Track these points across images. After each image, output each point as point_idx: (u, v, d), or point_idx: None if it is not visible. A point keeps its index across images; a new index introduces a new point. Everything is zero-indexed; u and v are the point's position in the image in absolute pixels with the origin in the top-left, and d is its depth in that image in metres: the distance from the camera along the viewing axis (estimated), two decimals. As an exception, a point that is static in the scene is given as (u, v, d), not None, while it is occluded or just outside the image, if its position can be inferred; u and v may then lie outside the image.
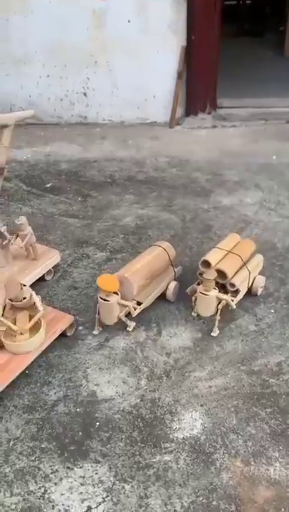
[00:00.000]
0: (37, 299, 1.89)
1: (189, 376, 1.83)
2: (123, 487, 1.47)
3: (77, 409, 1.71)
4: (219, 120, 4.26)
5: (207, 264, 2.09)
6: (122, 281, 1.98)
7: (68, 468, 1.53)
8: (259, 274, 2.24)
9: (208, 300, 1.99)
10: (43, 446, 1.60)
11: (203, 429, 1.63)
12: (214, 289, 1.99)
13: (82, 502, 1.43)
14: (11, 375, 1.78)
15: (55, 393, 1.77)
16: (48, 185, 3.32)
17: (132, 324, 2.02)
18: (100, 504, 1.42)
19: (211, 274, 1.95)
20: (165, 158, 3.61)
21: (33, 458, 1.56)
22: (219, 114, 4.30)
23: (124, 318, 1.99)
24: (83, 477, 1.50)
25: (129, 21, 3.81)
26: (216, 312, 1.99)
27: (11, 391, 1.77)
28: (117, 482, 1.48)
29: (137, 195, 3.15)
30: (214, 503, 1.42)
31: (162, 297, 2.18)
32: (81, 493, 1.46)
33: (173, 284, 2.19)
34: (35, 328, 1.88)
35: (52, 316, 2.02)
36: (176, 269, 2.25)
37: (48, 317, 1.99)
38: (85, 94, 4.17)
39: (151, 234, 2.72)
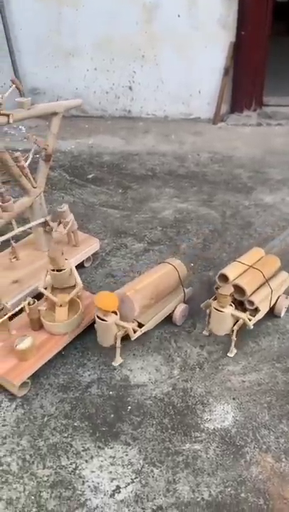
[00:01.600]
0: (76, 274, 1.94)
1: (222, 369, 1.82)
2: (152, 470, 1.49)
3: (110, 392, 1.75)
4: (264, 118, 4.18)
5: (225, 278, 1.94)
6: (122, 299, 1.81)
7: (99, 447, 1.56)
8: (285, 293, 2.06)
9: (222, 317, 1.84)
10: (75, 424, 1.64)
11: (235, 422, 1.62)
12: (230, 305, 1.84)
13: (112, 481, 1.46)
14: (47, 354, 1.83)
15: (89, 375, 1.82)
16: (90, 176, 3.38)
17: (118, 360, 1.84)
18: (128, 485, 1.45)
19: (227, 290, 1.80)
20: (207, 154, 3.60)
21: (65, 435, 1.61)
22: (265, 111, 4.22)
23: (118, 344, 1.81)
24: (113, 457, 1.53)
25: (179, 16, 3.80)
26: (232, 332, 1.85)
27: (47, 370, 1.83)
28: (146, 465, 1.50)
29: (177, 189, 3.15)
30: (242, 495, 1.41)
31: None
32: (111, 472, 1.49)
33: (181, 307, 2.01)
34: (72, 311, 1.93)
35: (89, 300, 2.06)
36: (186, 290, 2.05)
37: (85, 301, 2.04)
38: (130, 88, 4.21)
39: (190, 228, 2.72)
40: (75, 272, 1.95)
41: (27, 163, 2.11)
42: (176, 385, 1.76)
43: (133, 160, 3.59)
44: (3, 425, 1.64)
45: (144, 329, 1.86)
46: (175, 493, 1.42)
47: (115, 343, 1.81)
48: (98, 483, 1.46)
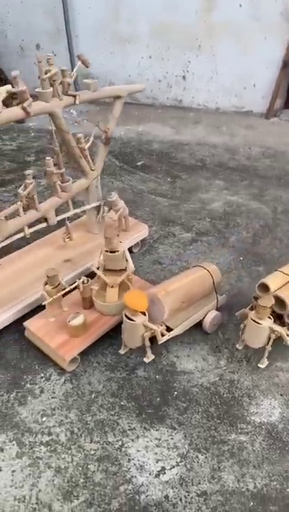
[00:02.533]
0: (129, 257, 1.96)
1: (271, 364, 1.81)
2: (197, 456, 1.50)
3: (157, 376, 1.77)
4: None
5: (265, 288, 1.81)
6: (152, 300, 1.75)
7: (145, 428, 1.59)
8: None
9: (259, 330, 1.73)
10: (122, 403, 1.67)
11: (282, 418, 1.61)
12: (269, 318, 1.74)
13: (157, 462, 1.49)
14: (96, 332, 1.87)
15: (136, 357, 1.84)
16: (140, 163, 3.39)
17: (150, 356, 1.80)
18: (173, 467, 1.47)
19: (267, 301, 1.69)
20: (259, 149, 3.53)
21: (112, 412, 1.64)
22: None
23: (147, 345, 1.76)
24: (159, 439, 1.55)
25: (240, 6, 3.73)
26: (267, 343, 1.76)
27: (96, 349, 1.86)
28: (192, 451, 1.52)
29: (227, 181, 3.12)
30: (288, 490, 1.41)
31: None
32: (156, 453, 1.51)
33: (213, 314, 1.92)
34: (123, 294, 1.96)
35: (138, 285, 2.08)
36: (219, 297, 1.97)
37: (135, 285, 2.06)
38: (184, 77, 4.17)
39: (239, 221, 2.69)
40: (128, 255, 1.97)
41: (87, 146, 2.14)
42: (223, 376, 1.76)
43: (183, 150, 3.57)
44: (52, 397, 1.69)
45: (172, 334, 1.79)
46: (220, 481, 1.43)
47: (143, 344, 1.76)
48: (144, 463, 1.48)
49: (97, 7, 4.05)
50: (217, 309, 1.96)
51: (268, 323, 1.72)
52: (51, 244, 2.31)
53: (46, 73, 1.83)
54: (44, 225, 2.12)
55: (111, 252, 1.95)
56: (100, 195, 2.33)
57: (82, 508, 1.37)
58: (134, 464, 1.48)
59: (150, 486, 1.42)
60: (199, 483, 1.43)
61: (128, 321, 1.72)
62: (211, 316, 1.92)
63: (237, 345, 1.89)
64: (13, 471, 1.46)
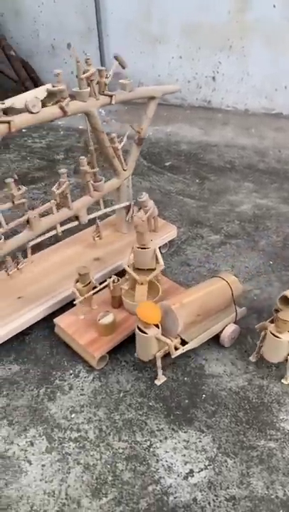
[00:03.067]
0: (159, 255, 1.96)
1: (301, 371, 1.79)
2: (226, 460, 1.49)
3: (185, 378, 1.77)
4: None
5: (287, 301, 1.74)
6: (167, 312, 1.70)
7: (173, 430, 1.59)
8: None
9: (277, 344, 1.66)
10: (150, 404, 1.68)
11: (312, 427, 1.59)
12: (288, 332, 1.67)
13: (185, 464, 1.49)
14: (125, 331, 1.88)
15: (163, 359, 1.84)
16: (168, 164, 3.39)
17: (161, 378, 1.75)
18: (202, 470, 1.47)
19: (287, 315, 1.65)
20: (289, 151, 3.49)
21: (140, 412, 1.65)
22: None
23: (159, 365, 1.71)
24: (187, 441, 1.55)
25: (274, 6, 3.68)
26: (286, 361, 1.71)
27: (124, 348, 1.87)
28: (220, 454, 1.51)
29: (256, 184, 3.09)
30: None
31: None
32: (184, 455, 1.51)
33: (231, 328, 1.86)
34: (152, 294, 1.96)
35: (167, 286, 2.09)
36: (239, 310, 1.91)
37: (163, 286, 2.06)
38: (213, 78, 4.15)
39: (269, 225, 2.66)
40: (158, 253, 1.97)
41: (120, 146, 2.15)
42: (252, 381, 1.75)
43: (211, 151, 3.55)
44: (81, 394, 1.71)
45: (186, 348, 1.73)
46: (249, 487, 1.42)
47: (155, 360, 1.70)
48: (172, 464, 1.49)
49: (129, 7, 4.06)
50: (235, 322, 1.90)
51: (287, 337, 1.65)
52: (81, 242, 2.33)
53: (84, 73, 1.85)
54: (76, 223, 2.15)
55: (142, 248, 1.95)
56: (131, 195, 2.34)
57: (110, 506, 1.38)
58: (163, 465, 1.48)
59: (178, 487, 1.42)
60: (228, 488, 1.42)
61: (140, 333, 1.66)
62: (229, 330, 1.86)
63: (250, 358, 1.83)
64: (43, 466, 1.49)
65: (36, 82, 4.54)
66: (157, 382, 1.75)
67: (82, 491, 1.42)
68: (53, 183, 3.17)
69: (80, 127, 3.97)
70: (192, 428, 1.59)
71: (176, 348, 1.71)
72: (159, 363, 1.72)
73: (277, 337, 1.65)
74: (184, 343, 1.76)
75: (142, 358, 1.74)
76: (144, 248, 1.95)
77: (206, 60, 4.10)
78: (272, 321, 1.73)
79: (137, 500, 1.39)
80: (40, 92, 1.79)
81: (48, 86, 1.78)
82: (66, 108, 1.81)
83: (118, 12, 4.14)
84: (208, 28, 3.94)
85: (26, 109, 1.72)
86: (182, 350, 1.72)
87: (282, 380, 1.75)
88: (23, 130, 3.38)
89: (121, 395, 1.71)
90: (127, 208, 2.35)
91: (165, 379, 1.76)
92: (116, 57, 2.00)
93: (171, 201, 2.93)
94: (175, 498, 1.40)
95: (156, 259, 1.98)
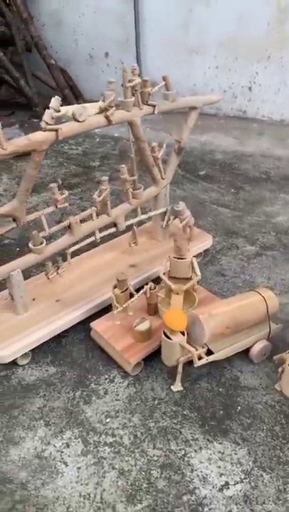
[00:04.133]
0: (196, 265, 1.96)
1: None
2: (262, 475, 1.47)
3: (220, 389, 1.76)
4: None
5: None
6: (194, 321, 1.71)
7: (208, 440, 1.58)
8: None
9: None
10: (184, 413, 1.67)
11: None
12: None
13: (220, 476, 1.48)
14: (160, 339, 1.88)
15: (198, 368, 1.83)
16: (202, 173, 3.40)
17: (177, 386, 1.74)
18: (237, 483, 1.45)
19: None
20: None
21: (175, 421, 1.65)
22: None
23: (179, 371, 1.71)
24: (222, 453, 1.54)
25: (315, 17, 3.66)
26: None
27: (158, 355, 1.87)
28: (256, 468, 1.49)
29: (292, 195, 3.06)
30: None
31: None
32: (219, 467, 1.50)
33: (261, 344, 1.82)
34: (187, 303, 1.97)
35: (203, 295, 2.08)
36: (273, 327, 1.86)
37: (199, 295, 2.06)
38: (250, 88, 4.14)
39: (306, 237, 2.63)
40: (196, 264, 1.98)
41: (160, 154, 2.18)
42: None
43: (246, 161, 3.54)
44: (116, 399, 1.73)
45: (210, 359, 1.72)
46: (286, 503, 1.40)
47: (177, 365, 1.71)
48: (207, 475, 1.48)
49: (168, 18, 4.11)
50: (268, 339, 1.85)
51: None
52: (117, 248, 2.36)
53: (130, 82, 1.89)
54: (113, 229, 2.18)
55: (179, 258, 1.97)
56: (168, 204, 2.36)
57: (145, 513, 1.38)
58: (197, 475, 1.48)
59: (213, 499, 1.41)
60: (264, 503, 1.40)
61: (165, 338, 1.68)
62: (259, 346, 1.82)
63: (276, 386, 1.74)
64: (79, 468, 1.51)
65: (74, 90, 4.64)
66: (173, 388, 1.75)
67: (117, 496, 1.43)
68: (89, 189, 3.26)
69: (116, 135, 4.03)
70: (227, 440, 1.58)
71: (200, 358, 1.71)
72: (180, 369, 1.72)
73: None
74: (210, 353, 1.75)
75: (166, 362, 1.76)
76: (181, 259, 1.97)
77: (243, 70, 4.10)
78: None
79: (171, 509, 1.39)
80: (94, 107, 1.83)
81: (101, 104, 1.82)
82: (111, 117, 1.85)
83: (156, 23, 4.20)
84: (247, 39, 3.95)
85: (73, 118, 1.78)
86: (206, 360, 1.71)
87: None
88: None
89: (155, 402, 1.71)
90: (163, 215, 2.36)
91: (181, 389, 1.75)
92: (164, 78, 2.04)
93: (205, 210, 2.93)
94: (210, 509, 1.39)
95: (193, 269, 1.99)
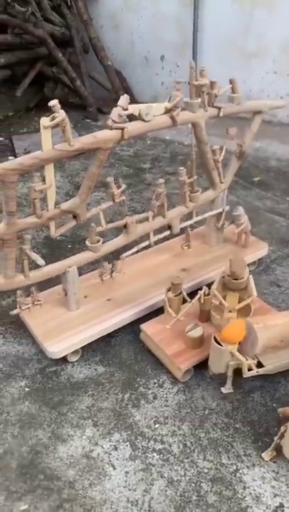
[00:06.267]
0: (252, 284, 1.90)
1: None
2: None
3: (274, 405, 1.68)
4: None
5: None
6: (249, 330, 1.63)
7: (262, 457, 1.51)
8: None
9: None
10: (236, 426, 1.61)
11: None
12: None
13: (275, 496, 1.40)
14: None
15: (252, 381, 1.77)
16: (256, 180, 3.31)
17: (228, 388, 1.70)
18: (293, 507, 1.38)
19: None
20: None
21: (226, 433, 1.59)
22: None
23: (229, 375, 1.66)
24: (277, 472, 1.46)
25: None
26: None
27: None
28: (314, 493, 1.41)
29: None
30: None
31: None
32: (273, 487, 1.43)
33: None
34: (243, 313, 1.90)
35: (258, 305, 2.01)
36: None
37: (254, 305, 1.99)
38: (308, 95, 4.01)
39: None
40: (252, 282, 1.89)
41: (221, 158, 2.13)
42: None
43: (302, 169, 3.42)
44: (165, 405, 1.69)
45: (261, 371, 1.64)
46: None
47: (226, 372, 1.66)
48: (260, 494, 1.41)
49: (227, 21, 4.06)
50: None
51: None
52: (169, 251, 2.33)
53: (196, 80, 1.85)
54: (168, 232, 2.15)
55: (234, 279, 1.88)
56: (224, 206, 2.30)
57: (195, 527, 1.33)
58: (250, 493, 1.41)
59: (267, 520, 1.34)
60: None
61: (216, 344, 1.64)
62: None
63: (263, 454, 1.50)
64: (127, 472, 1.47)
65: (127, 92, 4.67)
66: (223, 390, 1.70)
67: (166, 506, 1.38)
68: (140, 190, 3.25)
69: (167, 138, 4.02)
70: (282, 459, 1.50)
71: (249, 369, 1.64)
72: (230, 373, 1.66)
73: None
74: (260, 365, 1.68)
75: (213, 369, 1.71)
76: (236, 279, 1.88)
77: (303, 76, 3.98)
78: None
79: (222, 526, 1.33)
80: (160, 107, 1.81)
81: (166, 104, 1.80)
82: (176, 118, 1.82)
83: (215, 27, 4.15)
84: (309, 44, 3.83)
85: (139, 117, 1.77)
86: (256, 372, 1.64)
87: None
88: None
89: (206, 412, 1.66)
90: (219, 217, 2.30)
91: (232, 391, 1.69)
92: (231, 81, 2.00)
93: (259, 218, 2.84)
94: (263, 531, 1.32)
95: (249, 286, 1.90)
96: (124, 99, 1.67)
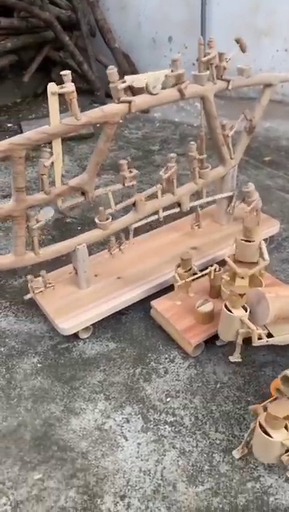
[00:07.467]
0: (265, 249, 1.88)
1: None
2: None
3: (286, 378, 1.67)
4: None
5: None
6: (259, 300, 1.61)
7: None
8: None
9: (267, 444, 1.30)
10: (248, 399, 1.61)
11: None
12: (285, 429, 1.31)
13: (287, 466, 1.40)
14: (224, 323, 1.83)
15: (263, 355, 1.76)
16: (267, 159, 3.26)
17: (236, 357, 1.64)
18: (306, 476, 1.37)
19: (279, 409, 1.31)
20: None
21: (238, 406, 1.58)
22: None
23: (239, 343, 1.62)
24: None
25: None
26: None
27: (221, 339, 1.82)
28: None
29: None
30: None
31: None
32: (286, 457, 1.42)
33: None
34: (254, 285, 1.88)
35: (269, 282, 1.99)
36: None
37: (265, 281, 1.97)
38: None
39: None
40: (264, 247, 1.89)
41: (231, 133, 2.10)
42: None
43: (314, 148, 3.36)
44: (176, 379, 1.69)
45: (270, 341, 1.60)
46: None
47: (235, 339, 1.63)
48: (272, 464, 1.40)
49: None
50: None
51: (279, 437, 1.29)
52: (179, 229, 2.31)
53: (205, 56, 1.82)
54: (177, 210, 2.13)
55: (247, 241, 1.88)
56: (234, 186, 2.27)
57: (207, 495, 1.34)
58: (262, 463, 1.41)
59: (280, 489, 1.34)
60: None
61: (226, 311, 1.62)
62: None
63: (233, 452, 1.44)
64: (139, 444, 1.49)
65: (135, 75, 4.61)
66: (231, 359, 1.66)
67: (178, 475, 1.39)
68: (149, 172, 3.22)
69: (176, 120, 3.97)
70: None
71: (259, 338, 1.61)
72: (239, 340, 1.63)
73: (268, 436, 1.29)
74: (269, 336, 1.65)
75: (223, 337, 1.70)
76: (249, 241, 1.88)
77: (314, 53, 3.88)
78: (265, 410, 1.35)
79: (234, 494, 1.34)
80: (160, 76, 1.79)
81: (166, 71, 1.78)
82: (184, 91, 1.79)
83: (224, 4, 4.07)
84: None
85: (146, 91, 1.74)
86: (266, 341, 1.60)
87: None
88: (120, 120, 3.47)
89: (218, 386, 1.66)
90: (229, 199, 2.28)
91: (240, 360, 1.66)
92: (237, 40, 1.95)
93: (270, 196, 2.81)
94: (276, 499, 1.32)
95: (261, 253, 1.90)
96: (112, 73, 1.60)
